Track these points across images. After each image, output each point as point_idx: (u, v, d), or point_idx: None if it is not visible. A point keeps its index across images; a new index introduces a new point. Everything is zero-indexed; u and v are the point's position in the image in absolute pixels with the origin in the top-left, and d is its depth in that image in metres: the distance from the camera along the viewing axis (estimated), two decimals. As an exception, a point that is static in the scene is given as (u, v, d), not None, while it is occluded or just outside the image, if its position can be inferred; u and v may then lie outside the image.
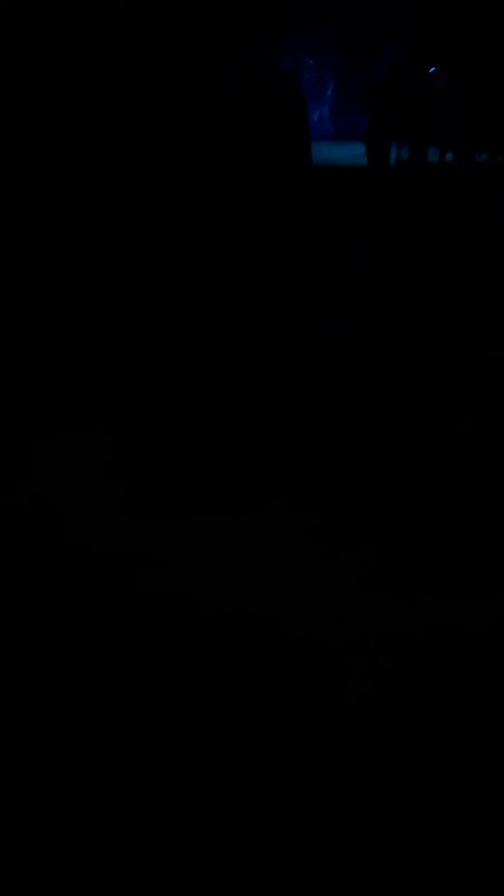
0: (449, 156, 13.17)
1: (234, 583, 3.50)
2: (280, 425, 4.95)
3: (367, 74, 17.28)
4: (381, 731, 2.62)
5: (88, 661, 3.02)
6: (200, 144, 8.73)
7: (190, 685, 2.86)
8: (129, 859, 2.19)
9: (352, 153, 14.86)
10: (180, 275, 7.56)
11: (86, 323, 6.47)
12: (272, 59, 5.93)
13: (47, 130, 8.74)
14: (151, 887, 2.12)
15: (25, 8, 8.97)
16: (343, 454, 4.64)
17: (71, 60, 8.94)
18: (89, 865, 2.18)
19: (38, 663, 3.02)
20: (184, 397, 5.33)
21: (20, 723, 2.71)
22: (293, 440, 4.78)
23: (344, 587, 3.48)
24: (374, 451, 4.67)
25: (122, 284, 7.28)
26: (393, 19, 16.49)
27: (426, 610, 3.29)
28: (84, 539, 3.84)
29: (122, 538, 3.86)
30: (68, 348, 5.98)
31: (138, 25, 9.43)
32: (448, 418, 5.03)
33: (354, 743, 2.58)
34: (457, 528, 3.91)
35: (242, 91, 6.39)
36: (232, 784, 2.42)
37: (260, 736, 2.61)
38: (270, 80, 6.29)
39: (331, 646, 3.07)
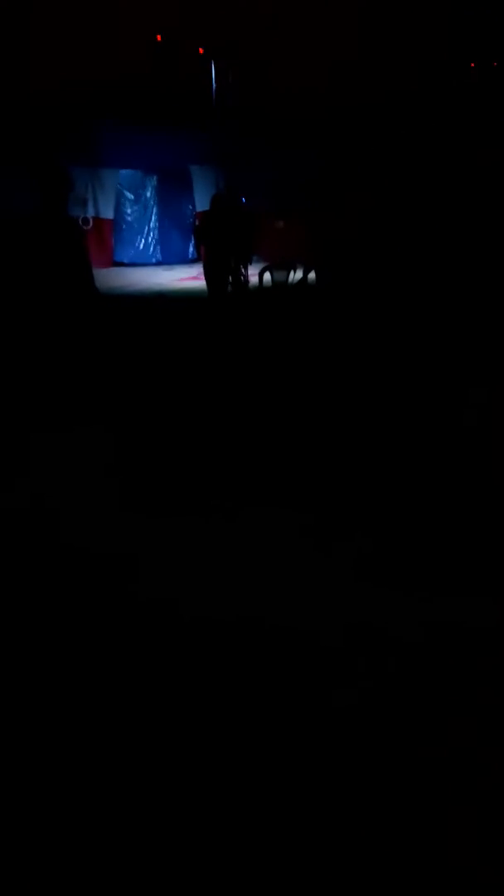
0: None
1: (230, 582, 3.43)
2: (277, 425, 4.94)
3: (186, 202, 18.52)
4: (378, 731, 2.53)
5: (87, 658, 2.94)
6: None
7: (186, 682, 2.79)
8: (121, 855, 2.11)
9: (176, 276, 15.80)
10: None
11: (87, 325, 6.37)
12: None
13: None
14: (151, 887, 2.04)
15: None
16: (340, 452, 4.58)
17: None
18: (89, 864, 2.10)
19: (37, 660, 2.94)
20: (182, 399, 5.32)
21: (19, 719, 2.63)
22: (291, 441, 4.76)
23: (340, 584, 3.40)
24: (373, 448, 4.59)
25: None
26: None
27: (425, 607, 3.20)
28: (84, 538, 3.74)
29: (120, 537, 3.78)
30: (70, 350, 5.80)
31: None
32: (450, 413, 4.94)
33: (350, 742, 2.48)
34: (456, 523, 3.82)
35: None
36: (228, 782, 2.35)
37: (255, 734, 2.53)
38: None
39: (327, 644, 2.98)
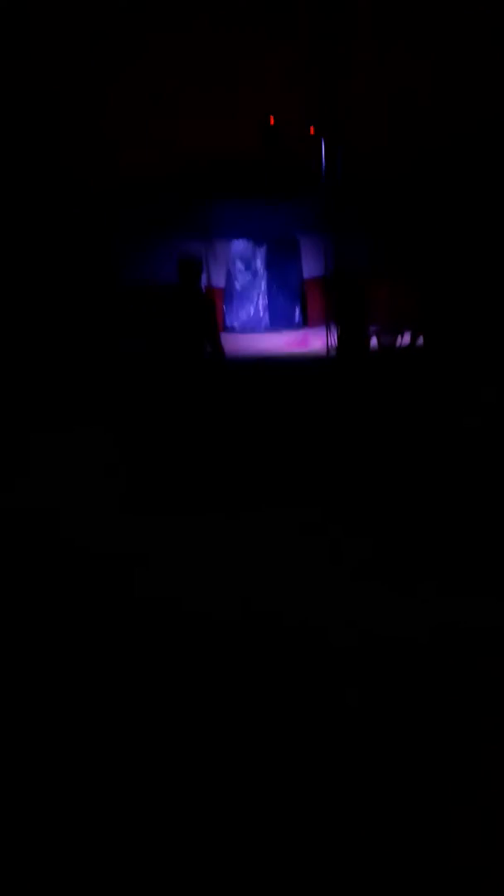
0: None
1: (233, 580, 3.45)
2: (277, 427, 5.00)
3: (293, 269, 19.18)
4: (383, 730, 2.50)
5: (88, 657, 2.95)
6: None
7: (190, 682, 2.79)
8: (125, 853, 2.07)
9: (283, 340, 16.33)
10: None
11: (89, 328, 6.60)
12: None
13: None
14: (150, 887, 2.00)
15: None
16: (342, 453, 4.64)
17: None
18: (89, 863, 2.06)
19: (38, 658, 2.96)
20: (182, 400, 5.40)
21: (21, 716, 2.64)
22: (290, 441, 4.82)
23: (344, 583, 3.41)
24: (376, 450, 4.64)
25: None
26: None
27: (427, 607, 3.20)
28: (84, 537, 3.79)
29: (121, 536, 3.82)
30: (71, 352, 5.93)
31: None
32: (454, 416, 4.95)
33: (355, 742, 2.45)
34: (458, 524, 3.83)
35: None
36: (230, 781, 2.33)
37: (259, 733, 2.51)
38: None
39: (330, 642, 2.97)
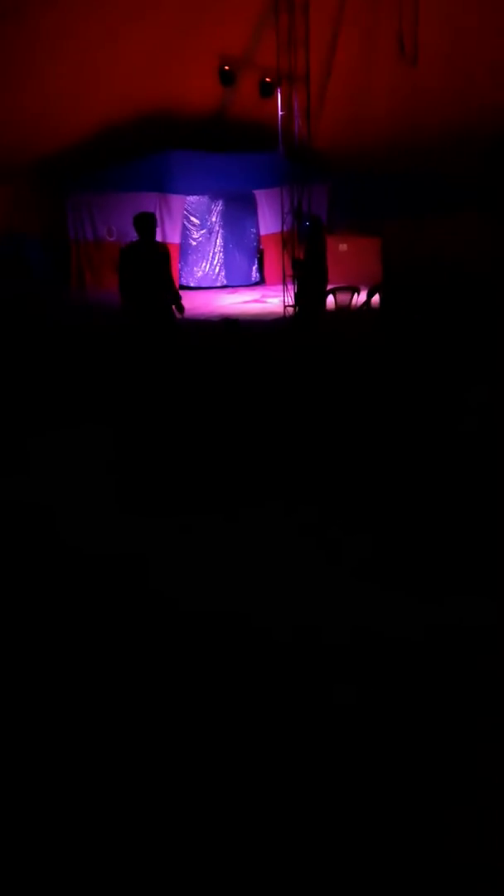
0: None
1: (231, 580, 3.45)
2: (276, 427, 4.98)
3: (250, 226, 18.86)
4: (380, 729, 2.50)
5: (85, 656, 2.94)
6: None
7: (187, 681, 2.79)
8: (123, 851, 2.09)
9: (240, 300, 16.11)
10: None
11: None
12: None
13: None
14: (150, 885, 2.02)
15: None
16: (340, 455, 4.60)
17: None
18: (89, 859, 2.09)
19: (35, 657, 2.95)
20: (182, 401, 5.42)
21: (21, 716, 2.63)
22: (289, 441, 4.79)
23: (340, 582, 3.41)
24: (373, 451, 4.60)
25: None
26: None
27: (424, 606, 3.20)
28: (83, 537, 3.77)
29: (120, 536, 3.81)
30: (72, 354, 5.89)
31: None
32: (449, 419, 4.90)
33: (352, 740, 2.46)
34: (455, 523, 3.81)
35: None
36: (228, 780, 2.34)
37: (256, 732, 2.51)
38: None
39: (326, 641, 2.98)
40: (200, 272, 18.82)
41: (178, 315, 7.82)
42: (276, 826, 2.19)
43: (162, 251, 7.96)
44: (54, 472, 4.48)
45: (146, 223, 7.78)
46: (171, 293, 7.84)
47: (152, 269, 7.63)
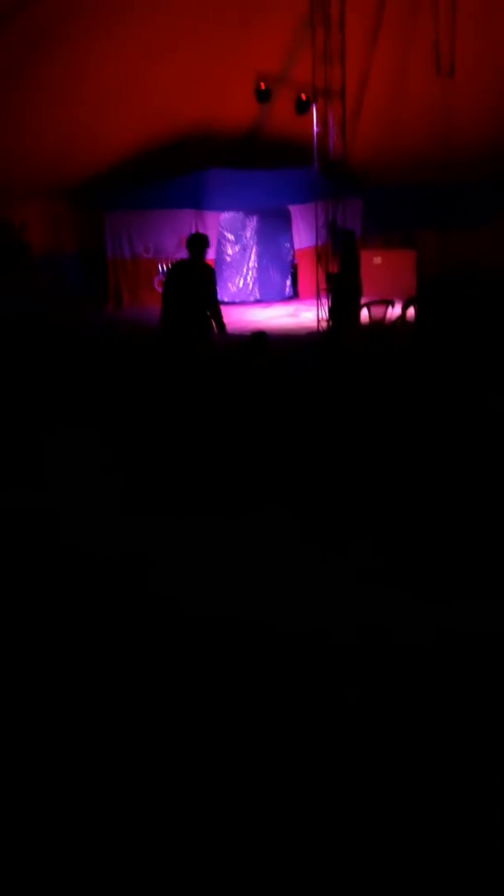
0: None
1: (234, 582, 3.46)
2: (278, 425, 5.01)
3: (284, 241, 18.97)
4: (384, 732, 2.51)
5: (87, 658, 2.97)
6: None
7: (190, 683, 2.80)
8: (125, 852, 2.10)
9: (272, 314, 16.19)
10: None
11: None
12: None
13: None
14: (149, 885, 2.04)
15: None
16: (345, 455, 4.60)
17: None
18: (89, 857, 2.10)
19: (37, 659, 2.98)
20: (183, 403, 5.42)
21: (20, 715, 2.66)
22: (290, 441, 4.82)
23: (345, 585, 3.41)
24: (378, 452, 4.59)
25: None
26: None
27: (430, 610, 3.20)
28: (84, 538, 3.80)
29: (121, 538, 3.84)
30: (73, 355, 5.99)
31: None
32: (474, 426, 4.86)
33: (356, 743, 2.47)
34: (462, 527, 3.80)
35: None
36: (230, 782, 2.35)
37: (260, 735, 2.53)
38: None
39: (332, 644, 2.99)
40: (234, 287, 18.95)
41: (216, 333, 8.02)
42: (280, 827, 2.19)
43: (207, 271, 8.27)
44: (60, 474, 4.53)
45: (197, 243, 8.39)
46: (213, 312, 8.05)
47: (195, 285, 7.93)
